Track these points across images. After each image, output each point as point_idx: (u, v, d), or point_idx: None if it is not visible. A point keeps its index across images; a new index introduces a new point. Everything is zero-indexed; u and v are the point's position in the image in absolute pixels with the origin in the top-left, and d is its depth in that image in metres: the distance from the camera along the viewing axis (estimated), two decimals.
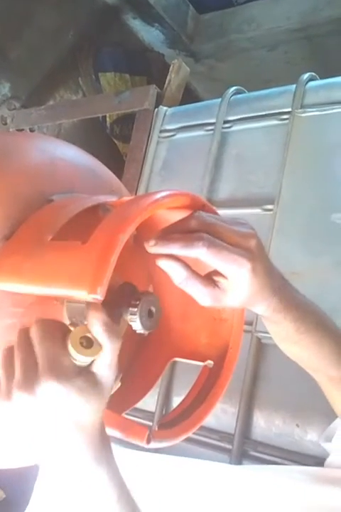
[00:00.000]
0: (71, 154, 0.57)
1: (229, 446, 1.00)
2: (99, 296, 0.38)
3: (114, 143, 1.92)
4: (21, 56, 1.61)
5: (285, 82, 2.18)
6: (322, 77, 1.28)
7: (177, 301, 0.58)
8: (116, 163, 1.88)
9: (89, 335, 0.37)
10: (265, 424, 1.02)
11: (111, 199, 0.50)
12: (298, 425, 0.98)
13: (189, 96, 1.77)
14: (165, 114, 1.31)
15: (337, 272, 0.99)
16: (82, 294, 0.39)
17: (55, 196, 0.50)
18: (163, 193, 0.44)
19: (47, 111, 1.51)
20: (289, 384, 1.00)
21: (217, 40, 2.12)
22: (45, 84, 1.69)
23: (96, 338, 0.37)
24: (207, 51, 2.16)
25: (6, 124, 1.59)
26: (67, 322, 0.45)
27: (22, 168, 0.50)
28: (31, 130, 1.61)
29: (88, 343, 0.37)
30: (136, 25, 1.94)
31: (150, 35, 2.00)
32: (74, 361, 0.37)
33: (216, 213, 0.49)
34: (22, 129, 1.60)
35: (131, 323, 0.42)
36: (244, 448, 1.00)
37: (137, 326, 0.42)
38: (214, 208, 0.49)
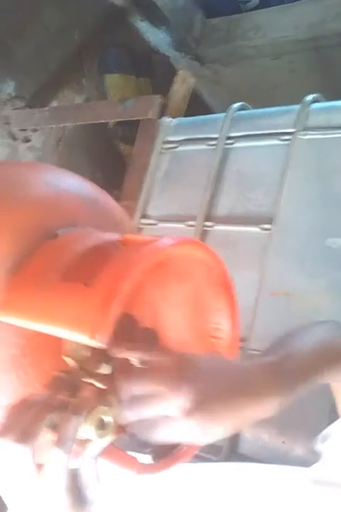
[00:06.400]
0: (75, 186, 0.58)
1: (215, 459, 1.03)
2: (99, 342, 0.40)
3: (116, 145, 1.93)
4: (27, 55, 1.61)
5: (289, 90, 2.20)
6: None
7: (175, 327, 0.60)
8: (117, 165, 1.89)
9: (104, 418, 0.39)
10: (252, 439, 1.04)
11: (114, 237, 0.52)
12: (284, 442, 1.01)
13: (193, 99, 1.78)
14: (168, 126, 1.32)
15: (331, 295, 1.01)
16: (83, 338, 0.41)
17: (59, 231, 0.52)
18: (166, 241, 0.46)
19: (51, 113, 1.52)
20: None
21: (223, 46, 2.13)
22: (49, 84, 1.69)
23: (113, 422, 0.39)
24: (213, 56, 2.16)
25: (8, 123, 1.60)
26: (69, 361, 0.47)
27: (28, 202, 0.51)
28: (34, 130, 1.62)
29: (102, 425, 0.38)
30: (143, 27, 1.94)
31: (156, 37, 2.00)
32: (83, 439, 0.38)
33: (220, 262, 0.51)
34: (25, 129, 1.61)
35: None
36: (230, 461, 1.02)
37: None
38: (215, 253, 0.51)
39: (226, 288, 0.54)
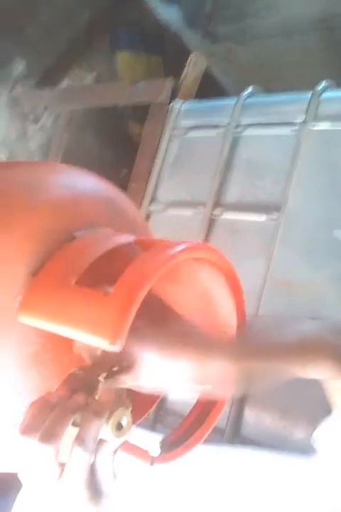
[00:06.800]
0: (91, 186, 0.60)
1: (219, 440, 1.07)
2: (118, 347, 0.43)
3: (126, 124, 1.92)
4: (36, 34, 1.59)
5: (302, 70, 2.16)
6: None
7: None
8: (127, 144, 1.89)
9: (122, 420, 0.41)
10: (254, 422, 1.08)
11: (129, 239, 0.54)
12: (284, 427, 1.05)
13: (204, 76, 1.75)
14: (179, 110, 1.32)
15: (334, 287, 1.03)
16: (102, 343, 0.43)
17: (77, 233, 0.54)
18: (180, 248, 0.48)
19: (61, 94, 1.52)
20: (278, 387, 1.06)
21: (235, 23, 2.10)
22: (59, 63, 1.68)
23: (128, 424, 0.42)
24: (224, 33, 2.13)
25: (19, 103, 1.59)
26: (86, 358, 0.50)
27: (45, 205, 0.53)
28: (44, 110, 1.62)
29: (120, 427, 0.41)
30: (154, 3, 1.91)
31: (167, 14, 1.97)
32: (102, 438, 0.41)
33: (229, 265, 0.53)
34: (35, 110, 1.61)
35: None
36: (233, 443, 1.06)
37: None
38: (226, 257, 0.53)
39: (234, 289, 0.56)
